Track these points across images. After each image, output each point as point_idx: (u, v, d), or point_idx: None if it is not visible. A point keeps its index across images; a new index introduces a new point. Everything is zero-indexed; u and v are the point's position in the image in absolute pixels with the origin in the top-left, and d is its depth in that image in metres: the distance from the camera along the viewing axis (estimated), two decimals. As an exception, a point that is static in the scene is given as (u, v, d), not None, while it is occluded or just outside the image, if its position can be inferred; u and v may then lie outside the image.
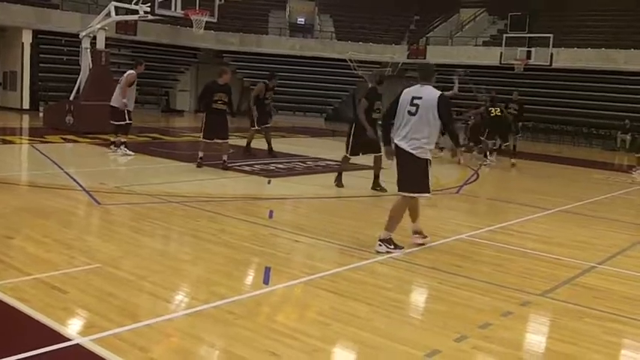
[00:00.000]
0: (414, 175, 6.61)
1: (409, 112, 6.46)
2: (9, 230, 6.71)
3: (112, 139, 13.91)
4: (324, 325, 4.52)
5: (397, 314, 4.92)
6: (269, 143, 15.10)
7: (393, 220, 6.66)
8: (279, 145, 16.52)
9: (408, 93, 6.59)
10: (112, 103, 13.79)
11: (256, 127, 14.87)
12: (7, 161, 13.05)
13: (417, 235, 7.13)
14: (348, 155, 10.82)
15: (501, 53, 29.74)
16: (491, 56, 30.38)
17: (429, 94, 6.48)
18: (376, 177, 10.81)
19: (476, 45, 32.90)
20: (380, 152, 10.05)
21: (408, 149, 6.49)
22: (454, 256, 6.78)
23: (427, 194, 6.80)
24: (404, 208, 6.77)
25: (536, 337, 4.77)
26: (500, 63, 29.53)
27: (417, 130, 6.45)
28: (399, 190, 6.74)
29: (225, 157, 12.19)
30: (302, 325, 4.51)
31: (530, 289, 5.68)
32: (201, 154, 12.15)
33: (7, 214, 7.61)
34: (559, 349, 4.38)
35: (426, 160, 6.56)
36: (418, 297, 5.69)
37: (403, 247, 6.73)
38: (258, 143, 15.39)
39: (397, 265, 6.28)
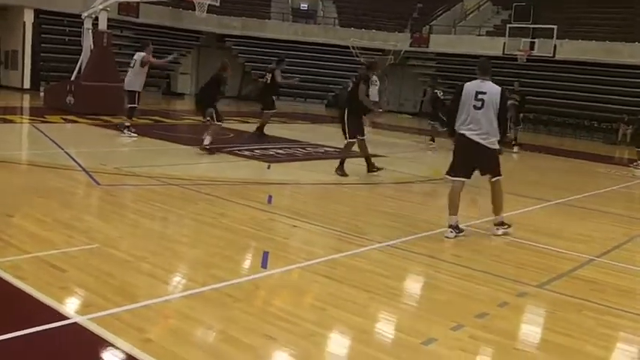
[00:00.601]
0: (488, 161, 7.11)
1: (475, 107, 6.91)
2: (9, 208, 6.71)
3: (128, 123, 13.81)
4: (321, 310, 4.54)
5: (394, 301, 4.94)
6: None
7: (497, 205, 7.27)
8: (280, 130, 16.54)
9: (470, 88, 7.04)
10: (127, 88, 13.78)
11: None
12: (8, 140, 13.03)
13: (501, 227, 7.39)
14: (350, 140, 10.82)
15: (505, 43, 29.59)
16: (494, 46, 30.21)
17: (492, 88, 6.99)
18: (368, 159, 10.95)
19: (479, 35, 32.75)
20: (364, 136, 10.74)
21: (479, 141, 6.94)
22: (453, 245, 6.79)
23: (501, 177, 7.25)
24: (499, 192, 7.29)
25: (532, 327, 4.79)
26: (504, 53, 29.40)
27: (484, 122, 6.90)
28: (453, 175, 7.24)
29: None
30: (299, 310, 4.52)
31: (527, 280, 5.69)
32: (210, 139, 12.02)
33: (7, 192, 7.62)
34: (555, 341, 4.40)
35: (496, 149, 7.10)
36: (415, 285, 5.71)
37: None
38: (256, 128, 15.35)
39: (395, 252, 6.29)
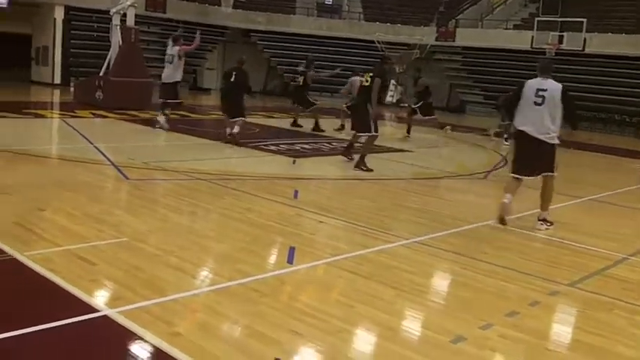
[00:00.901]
0: (546, 157, 7.28)
1: (535, 103, 7.13)
2: (41, 202, 6.80)
3: (160, 117, 14.06)
4: (348, 307, 4.53)
5: (421, 298, 4.91)
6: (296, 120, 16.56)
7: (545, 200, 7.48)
8: (306, 125, 16.53)
9: (531, 85, 7.25)
10: (169, 80, 13.99)
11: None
12: (39, 135, 13.21)
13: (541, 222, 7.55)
14: (375, 134, 10.84)
15: (533, 37, 29.29)
16: (522, 40, 29.92)
17: (552, 85, 7.20)
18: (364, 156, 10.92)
19: (506, 28, 32.42)
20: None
21: (538, 136, 7.15)
22: (480, 242, 6.74)
23: (555, 174, 7.44)
24: (551, 188, 7.52)
25: (563, 327, 4.73)
26: (532, 47, 29.08)
27: (544, 118, 7.11)
28: (518, 174, 7.45)
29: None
30: (325, 306, 4.52)
31: (558, 278, 5.62)
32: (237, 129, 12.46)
33: (39, 186, 7.73)
34: (586, 340, 4.34)
35: (554, 144, 7.25)
36: (443, 282, 5.67)
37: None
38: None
39: (422, 249, 6.25)
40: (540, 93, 7.12)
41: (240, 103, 12.68)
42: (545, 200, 7.51)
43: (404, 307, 4.70)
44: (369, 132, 10.85)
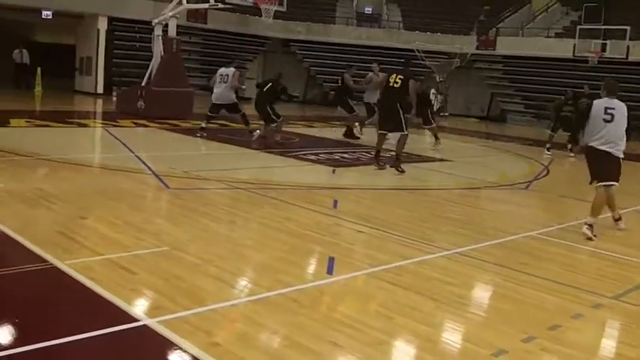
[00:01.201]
0: (613, 169, 7.78)
1: (605, 120, 7.67)
2: (83, 211, 6.91)
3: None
4: (387, 318, 4.48)
5: (462, 310, 4.84)
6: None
7: (596, 209, 7.71)
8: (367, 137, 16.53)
9: (599, 105, 7.82)
10: (224, 102, 14.74)
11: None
12: (82, 144, 13.46)
13: (619, 221, 8.07)
14: (406, 133, 11.20)
15: (575, 45, 28.86)
16: (563, 48, 29.51)
17: (619, 104, 7.81)
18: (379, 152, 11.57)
19: (548, 37, 32.02)
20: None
21: (607, 150, 7.67)
22: (522, 253, 6.62)
23: (617, 183, 7.87)
24: (604, 198, 7.81)
25: (606, 341, 4.62)
26: (574, 55, 28.67)
27: (613, 134, 7.68)
28: (599, 182, 7.81)
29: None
30: (365, 317, 4.48)
31: (602, 291, 5.49)
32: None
33: (81, 195, 7.85)
34: (630, 355, 4.23)
35: (621, 157, 7.80)
36: (484, 294, 5.58)
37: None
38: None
39: (463, 260, 6.17)
40: (609, 111, 7.71)
41: (267, 110, 13.98)
42: (612, 206, 8.02)
43: (444, 319, 4.64)
44: (403, 131, 11.13)
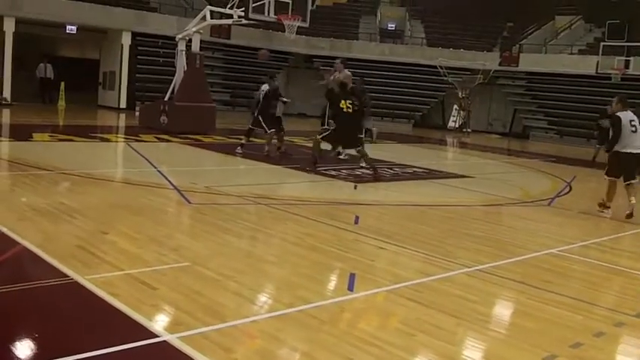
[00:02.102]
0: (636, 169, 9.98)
1: (632, 131, 9.68)
2: (104, 225, 6.95)
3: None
4: (409, 336, 4.45)
5: (483, 328, 4.79)
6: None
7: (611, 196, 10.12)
8: (367, 150, 16.47)
9: (625, 117, 9.73)
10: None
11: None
12: (104, 158, 13.57)
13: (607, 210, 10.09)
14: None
15: (598, 62, 28.69)
16: (587, 65, 29.36)
17: (635, 115, 9.81)
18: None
19: (571, 53, 31.88)
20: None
21: (637, 152, 9.72)
22: (544, 270, 6.55)
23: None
24: (618, 189, 10.09)
25: (629, 359, 4.54)
26: (597, 72, 28.49)
27: (639, 140, 9.71)
28: (625, 180, 9.89)
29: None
30: (386, 335, 4.45)
31: (624, 309, 5.41)
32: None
33: (102, 209, 7.90)
34: (657, 376, 4.16)
35: None
36: (505, 311, 5.52)
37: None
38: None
39: (484, 277, 6.12)
40: (633, 123, 9.68)
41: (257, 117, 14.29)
42: (611, 199, 10.06)
43: (465, 336, 4.60)
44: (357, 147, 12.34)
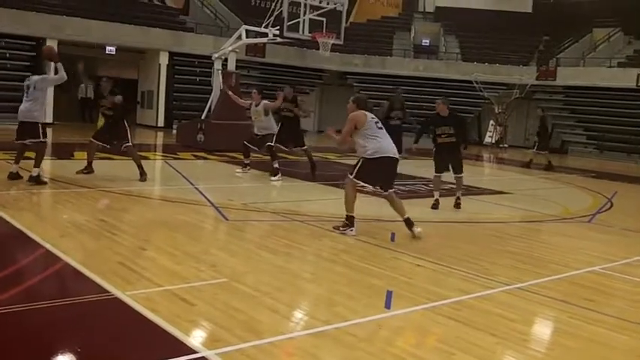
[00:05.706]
0: None
1: None
2: (143, 242, 7.04)
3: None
4: (447, 354, 4.39)
5: (523, 347, 4.71)
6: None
7: None
8: (400, 166, 16.39)
9: None
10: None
11: None
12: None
13: None
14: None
15: (638, 75, 28.23)
16: (626, 77, 28.90)
17: None
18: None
19: (610, 66, 31.41)
20: None
21: None
22: (586, 289, 6.43)
23: None
24: None
25: (678, 381, 4.43)
26: (637, 85, 28.04)
27: None
28: None
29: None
30: (424, 353, 4.41)
31: (671, 328, 5.28)
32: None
33: (141, 226, 8.00)
34: None
35: None
36: (546, 330, 5.43)
37: None
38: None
39: (524, 295, 6.03)
40: None
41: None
42: None
43: (504, 355, 4.53)
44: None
